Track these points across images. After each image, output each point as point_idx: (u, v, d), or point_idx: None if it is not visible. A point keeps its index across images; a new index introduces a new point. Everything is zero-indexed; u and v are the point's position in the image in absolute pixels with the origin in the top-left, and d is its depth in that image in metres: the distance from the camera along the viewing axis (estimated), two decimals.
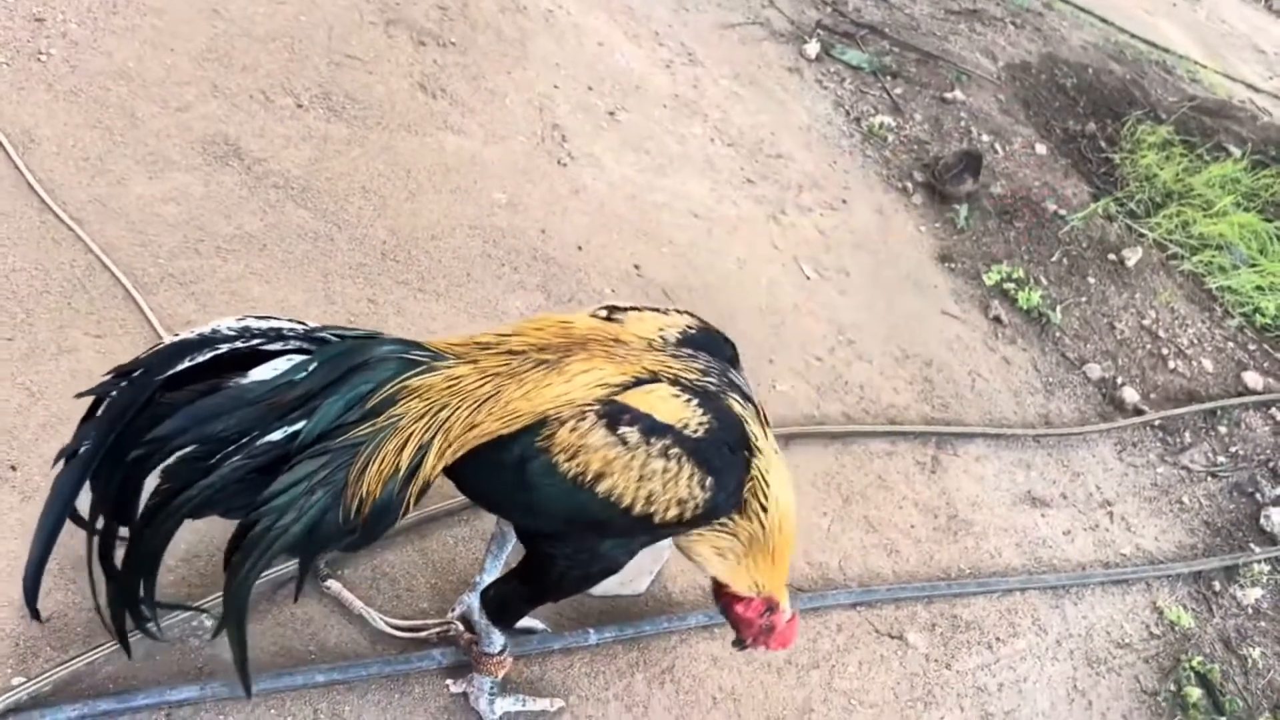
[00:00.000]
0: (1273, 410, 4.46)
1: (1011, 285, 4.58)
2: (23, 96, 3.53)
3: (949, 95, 5.54)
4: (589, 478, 2.16)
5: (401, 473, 2.19)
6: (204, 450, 2.12)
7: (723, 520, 2.33)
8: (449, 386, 2.24)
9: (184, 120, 3.82)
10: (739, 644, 2.56)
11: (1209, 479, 4.17)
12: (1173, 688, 3.40)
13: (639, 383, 2.22)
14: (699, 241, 4.26)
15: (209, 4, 4.14)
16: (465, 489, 2.33)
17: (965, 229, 4.83)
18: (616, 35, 5.01)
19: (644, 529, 2.25)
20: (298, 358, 2.16)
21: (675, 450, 2.17)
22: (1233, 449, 4.29)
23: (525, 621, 2.82)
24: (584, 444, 2.15)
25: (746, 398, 2.32)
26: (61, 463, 2.12)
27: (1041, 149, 5.46)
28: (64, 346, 3.01)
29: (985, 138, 5.39)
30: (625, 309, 2.41)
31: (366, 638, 2.71)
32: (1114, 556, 3.73)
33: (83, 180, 3.40)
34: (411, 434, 2.20)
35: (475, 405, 2.21)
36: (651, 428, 2.16)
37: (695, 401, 2.21)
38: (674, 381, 2.22)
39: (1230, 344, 4.70)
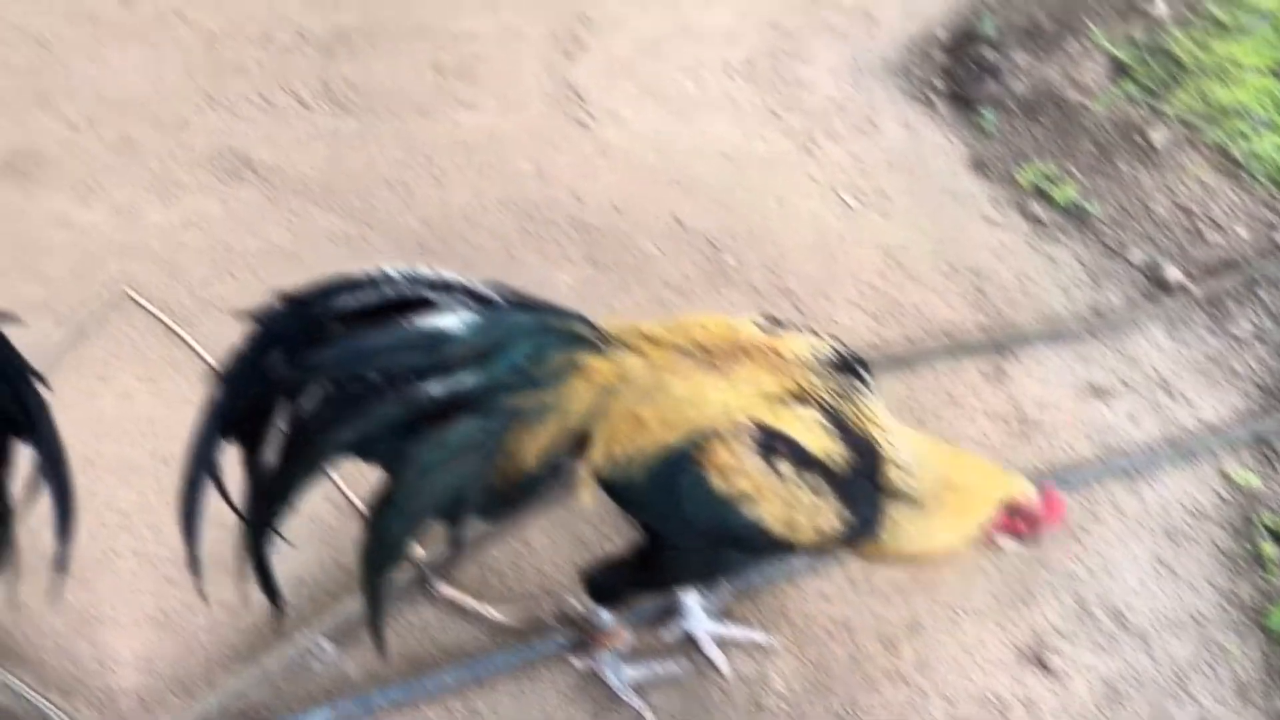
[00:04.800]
0: None
1: (1046, 183, 4.63)
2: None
3: None
4: (738, 499, 2.22)
5: (560, 452, 2.22)
6: (353, 390, 2.07)
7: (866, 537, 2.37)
8: (617, 373, 2.25)
9: (185, 139, 3.74)
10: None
11: (1256, 343, 4.25)
12: (1248, 546, 3.52)
13: (794, 399, 2.28)
14: (734, 184, 4.30)
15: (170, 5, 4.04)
16: (603, 482, 2.34)
17: (993, 133, 4.86)
18: None
19: (781, 549, 2.35)
20: (465, 313, 2.12)
21: (822, 485, 2.24)
22: (1275, 309, 4.37)
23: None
24: (738, 467, 2.20)
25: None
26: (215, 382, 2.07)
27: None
28: (118, 393, 3.04)
29: None
30: (781, 323, 2.45)
31: (485, 633, 2.82)
32: (1179, 432, 3.84)
33: None
34: (575, 414, 2.22)
35: (641, 396, 2.23)
36: (803, 460, 2.23)
37: (838, 433, 2.26)
38: (820, 406, 2.27)
39: (1261, 208, 4.76)
